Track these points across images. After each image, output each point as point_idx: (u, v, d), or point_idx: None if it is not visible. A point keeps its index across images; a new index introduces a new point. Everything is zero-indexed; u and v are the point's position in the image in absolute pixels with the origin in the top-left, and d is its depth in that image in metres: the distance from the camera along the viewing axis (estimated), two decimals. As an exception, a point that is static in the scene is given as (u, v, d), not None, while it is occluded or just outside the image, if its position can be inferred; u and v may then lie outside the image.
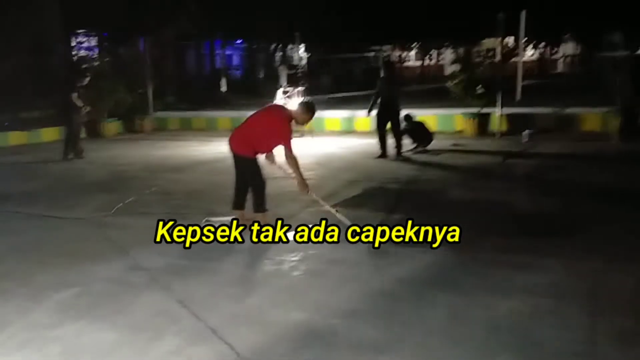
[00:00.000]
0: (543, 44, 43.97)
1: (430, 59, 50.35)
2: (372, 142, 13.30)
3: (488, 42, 46.30)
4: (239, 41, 32.61)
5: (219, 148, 13.13)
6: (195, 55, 27.95)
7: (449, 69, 48.02)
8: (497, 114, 13.66)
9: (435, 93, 18.01)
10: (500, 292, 4.26)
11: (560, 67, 47.75)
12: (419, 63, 49.62)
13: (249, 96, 24.71)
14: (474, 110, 14.09)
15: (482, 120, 14.06)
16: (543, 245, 5.30)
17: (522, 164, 9.61)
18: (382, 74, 11.61)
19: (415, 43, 45.82)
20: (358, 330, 3.77)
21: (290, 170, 6.03)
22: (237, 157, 6.20)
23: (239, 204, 6.38)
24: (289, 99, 14.07)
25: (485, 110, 13.95)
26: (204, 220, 6.45)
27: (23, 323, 4.06)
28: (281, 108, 6.26)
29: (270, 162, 6.46)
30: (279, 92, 14.17)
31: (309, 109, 6.07)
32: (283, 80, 14.13)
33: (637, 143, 11.36)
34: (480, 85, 13.77)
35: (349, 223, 5.80)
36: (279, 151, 6.08)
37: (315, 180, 8.67)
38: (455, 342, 3.56)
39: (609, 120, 12.92)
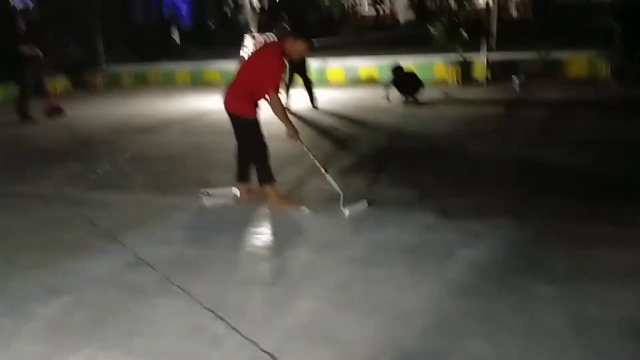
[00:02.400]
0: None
1: (383, 7, 48.98)
2: (353, 94, 12.40)
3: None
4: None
5: (186, 104, 11.95)
6: (141, 2, 25.89)
7: (402, 16, 47.19)
8: (483, 60, 12.81)
9: (398, 41, 17.13)
10: (609, 278, 3.44)
11: (513, 12, 47.10)
12: (372, 10, 48.17)
13: (204, 46, 23.13)
14: (457, 57, 13.21)
15: (466, 68, 13.22)
16: (620, 211, 4.51)
17: (528, 113, 8.82)
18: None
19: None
20: (464, 347, 2.88)
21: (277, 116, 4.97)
22: (234, 119, 5.11)
23: (242, 176, 5.34)
24: (256, 45, 12.84)
25: (468, 56, 13.10)
26: (200, 193, 5.38)
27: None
28: (273, 43, 5.14)
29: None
30: (247, 38, 12.88)
31: (304, 37, 4.90)
32: (252, 25, 12.83)
33: (635, 87, 10.79)
34: (464, 30, 12.81)
35: (337, 188, 4.89)
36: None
37: (310, 142, 7.68)
38: None
39: (599, 64, 12.34)
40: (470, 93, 11.51)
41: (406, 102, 10.54)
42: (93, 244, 4.41)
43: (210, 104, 11.80)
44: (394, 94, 10.70)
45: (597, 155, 6.19)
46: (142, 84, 16.46)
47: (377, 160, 6.56)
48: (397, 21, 46.71)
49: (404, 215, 4.64)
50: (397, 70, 10.85)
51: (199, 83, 15.89)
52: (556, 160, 6.05)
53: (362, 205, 4.86)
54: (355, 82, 14.53)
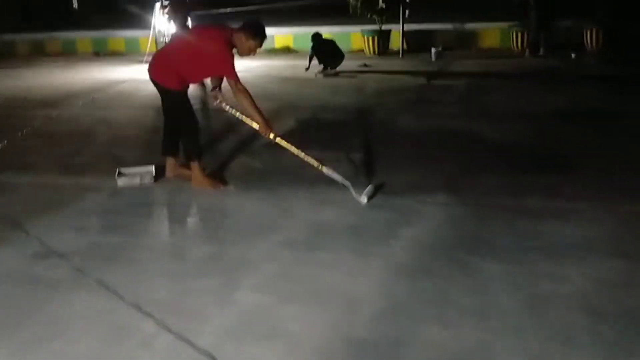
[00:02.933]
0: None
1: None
2: (269, 63, 11.99)
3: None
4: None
5: (90, 75, 11.13)
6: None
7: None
8: (399, 31, 12.72)
9: (310, 9, 16.83)
10: (556, 253, 3.35)
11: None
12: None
13: (105, 12, 21.72)
14: (374, 27, 13.07)
15: (383, 38, 13.12)
16: (560, 184, 4.47)
17: (450, 85, 8.81)
18: None
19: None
20: (412, 331, 2.68)
21: (244, 110, 4.56)
22: (160, 88, 4.67)
23: (168, 149, 4.90)
24: (171, 16, 12.10)
25: (385, 27, 13.00)
26: (116, 173, 4.89)
27: None
28: (220, 28, 4.66)
29: (217, 100, 4.84)
30: (157, 6, 12.13)
31: (256, 33, 4.42)
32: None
33: (547, 57, 11.09)
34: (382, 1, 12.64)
35: (339, 178, 4.44)
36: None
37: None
38: (563, 344, 2.59)
39: (512, 36, 12.59)
40: (389, 64, 11.43)
41: (325, 73, 10.27)
42: (-8, 233, 3.88)
43: (116, 75, 11.06)
44: (314, 64, 10.39)
45: (524, 126, 6.19)
46: (40, 54, 15.27)
47: (303, 135, 6.27)
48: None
49: (339, 194, 4.39)
50: (317, 38, 10.53)
51: (103, 52, 14.91)
52: (485, 133, 6.00)
53: (370, 188, 4.37)
54: (270, 51, 14.10)
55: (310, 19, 15.01)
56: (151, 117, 7.26)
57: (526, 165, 4.98)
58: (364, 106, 7.55)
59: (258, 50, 4.53)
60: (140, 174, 4.86)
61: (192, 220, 4.14)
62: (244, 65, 11.51)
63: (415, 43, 13.07)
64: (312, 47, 10.45)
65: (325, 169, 4.49)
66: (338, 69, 10.42)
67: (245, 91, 4.39)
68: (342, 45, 11.03)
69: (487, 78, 9.34)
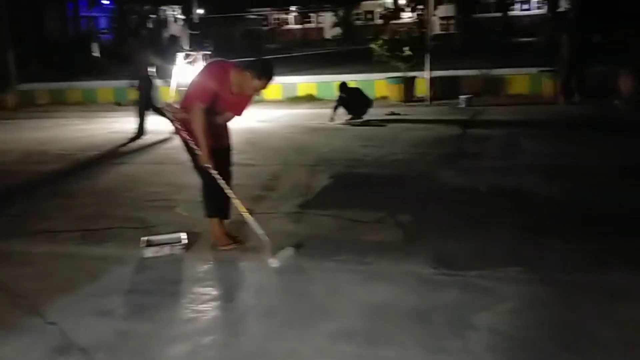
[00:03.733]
0: (421, 6, 43.76)
1: (309, 22, 48.76)
2: (293, 112, 11.65)
3: (366, 5, 46.04)
4: (106, 1, 28.97)
5: (111, 126, 10.84)
6: (58, 16, 24.21)
7: (329, 32, 47.15)
8: (426, 77, 12.38)
9: (331, 57, 16.66)
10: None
11: (437, 28, 47.91)
12: (298, 26, 47.85)
13: (126, 63, 21.76)
14: (399, 74, 12.76)
15: (408, 85, 12.78)
16: None
17: (488, 134, 8.34)
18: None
19: (294, 6, 44.10)
20: None
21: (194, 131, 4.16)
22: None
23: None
24: (192, 64, 11.91)
25: (410, 74, 12.68)
26: (142, 243, 4.43)
27: None
28: (220, 63, 4.32)
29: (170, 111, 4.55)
30: (180, 56, 11.92)
31: (263, 73, 4.11)
32: (185, 41, 11.87)
33: (582, 103, 10.63)
34: (407, 47, 12.35)
35: (261, 232, 4.09)
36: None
37: (261, 168, 6.86)
38: None
39: (542, 81, 12.20)
40: (417, 112, 11.03)
41: (353, 122, 9.89)
42: (5, 319, 3.41)
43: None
44: (340, 113, 10.02)
45: (583, 182, 5.68)
46: (60, 103, 15.12)
47: (341, 193, 5.82)
48: (323, 37, 46.67)
49: (392, 266, 3.90)
50: (344, 87, 10.19)
51: (124, 102, 14.68)
52: (542, 190, 5.50)
53: (288, 252, 4.12)
54: (293, 99, 13.84)
55: (332, 66, 14.85)
56: (174, 173, 6.87)
57: (599, 228, 4.46)
58: (401, 159, 7.10)
59: (264, 93, 4.20)
60: (169, 243, 4.41)
61: (228, 306, 3.62)
62: (268, 115, 11.23)
63: (442, 90, 12.70)
64: (340, 98, 10.11)
65: (248, 218, 4.13)
66: (366, 117, 10.05)
67: (200, 118, 4.07)
68: (367, 93, 10.69)
69: (526, 127, 8.87)
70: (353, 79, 13.05)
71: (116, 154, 8.26)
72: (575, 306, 3.27)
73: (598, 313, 3.18)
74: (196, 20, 12.21)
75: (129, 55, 9.68)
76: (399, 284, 3.64)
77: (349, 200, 5.46)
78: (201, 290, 3.76)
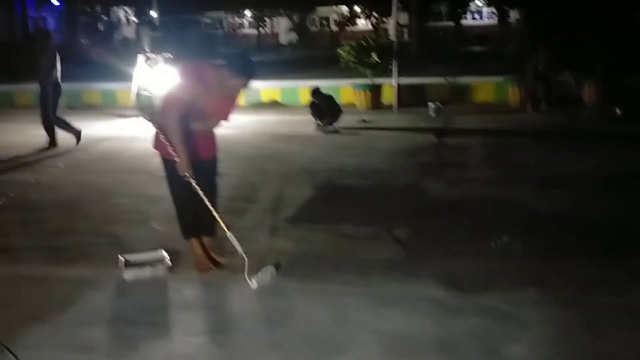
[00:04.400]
0: (375, 13, 43.99)
1: (265, 27, 48.35)
2: (260, 118, 11.28)
3: (322, 10, 45.97)
4: (55, 2, 27.82)
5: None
6: (6, 17, 23.08)
7: (285, 38, 46.85)
8: (394, 84, 12.21)
9: (285, 63, 16.37)
10: None
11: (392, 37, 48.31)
12: (253, 31, 47.34)
13: (78, 65, 20.88)
14: (365, 81, 12.56)
15: (375, 92, 12.58)
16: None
17: (464, 144, 8.16)
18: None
19: (249, 10, 43.62)
20: None
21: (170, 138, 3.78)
22: None
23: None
24: (152, 67, 11.40)
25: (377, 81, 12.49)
26: (120, 263, 4.01)
27: None
28: (195, 65, 3.90)
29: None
30: (140, 58, 11.40)
31: (242, 70, 3.69)
32: (146, 44, 11.33)
33: (549, 112, 10.63)
34: (375, 53, 12.14)
35: (240, 250, 3.76)
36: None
37: (239, 178, 6.48)
38: None
39: (508, 90, 12.19)
40: (387, 119, 10.82)
41: (325, 129, 9.59)
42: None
43: (96, 131, 10.18)
44: (309, 119, 9.71)
45: (574, 193, 5.54)
46: (9, 107, 14.28)
47: (327, 205, 5.50)
48: (279, 42, 46.34)
49: (400, 288, 3.61)
50: (317, 93, 9.88)
51: (78, 106, 13.98)
52: (535, 202, 5.31)
53: (269, 271, 3.79)
54: (256, 105, 13.44)
55: (292, 71, 14.57)
56: (145, 183, 6.42)
57: (607, 243, 4.27)
58: (382, 169, 6.83)
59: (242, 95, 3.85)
60: (150, 263, 3.99)
61: (224, 338, 3.22)
62: (237, 122, 10.78)
63: (408, 97, 12.56)
64: (312, 103, 9.80)
65: (229, 234, 3.79)
66: (336, 125, 9.78)
67: (175, 125, 3.70)
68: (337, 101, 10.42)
69: (501, 136, 8.77)
70: (319, 85, 12.80)
71: (76, 161, 7.70)
72: (605, 333, 3.04)
73: (632, 338, 2.95)
74: (156, 22, 11.72)
75: (33, 55, 8.52)
76: (412, 309, 3.34)
77: (338, 214, 5.15)
78: (191, 318, 3.38)
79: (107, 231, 4.86)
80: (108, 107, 13.44)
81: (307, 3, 42.30)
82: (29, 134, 10.09)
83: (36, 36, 9.36)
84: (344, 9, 45.42)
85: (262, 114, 11.92)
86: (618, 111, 10.01)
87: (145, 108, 11.71)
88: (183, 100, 3.72)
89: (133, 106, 11.98)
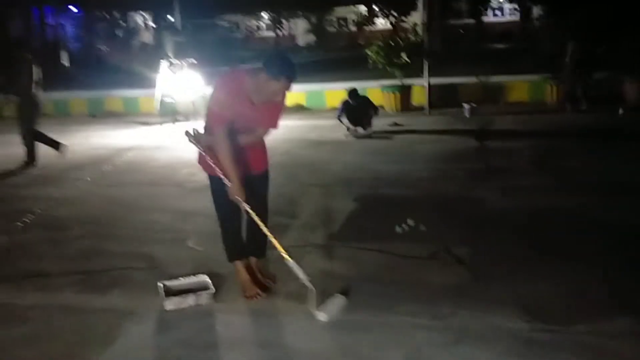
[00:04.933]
0: (394, 12, 43.48)
1: (282, 30, 48.09)
2: (286, 123, 10.86)
3: (340, 10, 45.55)
4: (74, 9, 27.75)
5: (89, 141, 9.94)
6: (22, 25, 23.01)
7: (302, 39, 46.56)
8: (425, 85, 11.79)
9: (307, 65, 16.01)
10: None
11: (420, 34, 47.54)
12: (271, 34, 47.09)
13: (97, 72, 20.73)
14: (394, 82, 12.16)
15: (405, 94, 12.17)
16: None
17: (509, 148, 7.71)
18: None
19: (266, 13, 43.33)
20: None
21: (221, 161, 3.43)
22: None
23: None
24: (176, 73, 11.11)
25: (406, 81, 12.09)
26: (160, 290, 3.66)
27: None
28: (231, 73, 3.53)
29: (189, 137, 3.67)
30: (163, 64, 11.11)
31: (280, 72, 3.27)
32: (169, 49, 11.05)
33: (588, 112, 10.14)
34: (405, 53, 11.72)
35: (304, 277, 3.33)
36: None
37: (274, 189, 6.08)
38: None
39: (544, 88, 11.71)
40: (419, 122, 10.42)
41: (353, 134, 9.18)
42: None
43: (119, 140, 9.89)
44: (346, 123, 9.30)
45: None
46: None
47: (373, 219, 5.10)
48: (297, 44, 46.04)
49: (476, 319, 3.20)
50: (353, 94, 9.42)
51: (100, 114, 13.75)
52: (609, 212, 4.87)
53: (339, 302, 3.39)
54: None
55: (315, 74, 14.19)
56: (176, 197, 6.09)
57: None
58: (426, 177, 6.42)
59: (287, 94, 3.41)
60: (193, 290, 3.63)
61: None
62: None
63: (439, 98, 12.14)
64: (347, 103, 9.35)
65: (290, 262, 3.35)
66: (368, 129, 9.37)
67: (224, 143, 3.36)
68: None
69: (544, 138, 8.31)
70: (344, 88, 12.41)
71: (102, 173, 7.39)
72: None
73: None
74: (178, 27, 11.41)
75: (11, 65, 7.90)
76: (495, 346, 2.93)
77: (387, 229, 4.75)
78: (242, 357, 3.00)
79: (141, 252, 4.51)
80: (130, 115, 13.19)
81: (324, 3, 41.96)
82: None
83: (14, 46, 8.84)
84: (362, 8, 44.92)
85: (287, 119, 11.48)
86: (621, 111, 9.52)
87: (170, 115, 11.46)
88: (226, 114, 3.37)
89: (156, 113, 11.72)
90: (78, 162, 8.12)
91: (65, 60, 21.06)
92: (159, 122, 11.32)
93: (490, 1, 41.77)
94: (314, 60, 26.51)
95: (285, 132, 9.88)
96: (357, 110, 9.24)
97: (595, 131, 8.59)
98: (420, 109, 11.83)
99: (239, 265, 3.73)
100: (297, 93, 13.51)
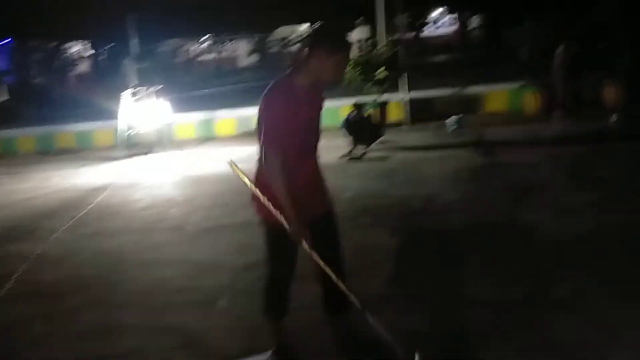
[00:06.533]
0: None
1: (223, 52, 47.22)
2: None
3: (283, 30, 45.05)
4: (4, 40, 26.08)
5: (49, 183, 8.87)
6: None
7: (245, 61, 45.83)
8: (404, 99, 11.27)
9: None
10: None
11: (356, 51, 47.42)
12: (212, 56, 46.18)
13: (38, 105, 19.32)
14: (369, 98, 11.58)
15: (383, 110, 11.60)
16: None
17: (522, 161, 7.13)
18: None
19: (207, 35, 42.34)
20: None
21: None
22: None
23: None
24: (139, 102, 10.19)
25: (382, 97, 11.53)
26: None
27: None
28: (274, 82, 2.83)
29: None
30: (126, 94, 10.16)
31: (333, 41, 2.72)
32: (131, 78, 10.10)
33: (582, 118, 9.74)
34: (383, 68, 11.16)
35: (390, 339, 2.71)
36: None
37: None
38: None
39: (524, 97, 11.36)
40: (407, 138, 9.87)
41: (353, 155, 8.50)
42: None
43: (86, 180, 8.87)
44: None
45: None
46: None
47: (427, 257, 4.41)
48: (239, 66, 45.30)
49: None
50: (360, 108, 8.78)
51: (52, 151, 12.56)
52: None
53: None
54: (249, 134, 12.32)
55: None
56: (179, 244, 5.24)
57: None
58: (456, 200, 5.81)
59: None
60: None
61: None
62: (234, 154, 9.38)
63: (416, 112, 11.64)
64: (347, 120, 8.67)
65: (371, 317, 2.73)
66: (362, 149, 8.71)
67: (273, 166, 2.70)
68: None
69: (554, 147, 7.73)
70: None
71: (80, 221, 6.41)
72: None
73: None
74: (137, 52, 10.45)
75: None
76: None
77: (452, 269, 4.07)
78: None
79: (166, 324, 3.66)
80: (85, 150, 12.07)
81: (267, 24, 41.38)
82: (7, 189, 8.75)
83: None
84: (304, 27, 44.57)
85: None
86: (614, 117, 9.21)
87: (134, 147, 10.51)
88: (281, 137, 2.70)
89: (117, 146, 10.75)
90: (47, 209, 7.10)
91: (4, 94, 19.56)
92: (127, 155, 10.34)
93: (429, 15, 42.11)
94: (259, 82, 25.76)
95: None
96: (362, 127, 8.56)
97: (603, 137, 8.17)
98: (397, 125, 11.31)
99: (277, 325, 3.07)
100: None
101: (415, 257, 4.43)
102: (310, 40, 2.83)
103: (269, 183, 2.74)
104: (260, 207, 2.86)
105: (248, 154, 9.23)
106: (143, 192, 7.63)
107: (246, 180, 2.90)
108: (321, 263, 2.78)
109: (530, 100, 11.29)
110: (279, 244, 2.88)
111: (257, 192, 2.83)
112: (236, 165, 2.97)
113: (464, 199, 5.84)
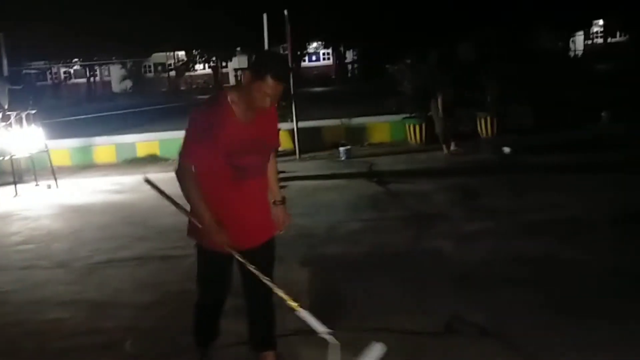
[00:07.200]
0: (214, 58, 43.18)
1: (95, 76, 45.27)
2: (156, 177, 9.57)
3: (158, 56, 44.06)
4: None
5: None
6: None
7: (118, 86, 44.34)
8: (293, 129, 11.30)
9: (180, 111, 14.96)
10: None
11: (232, 80, 47.13)
12: (83, 80, 44.09)
13: None
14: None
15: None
16: None
17: (416, 190, 7.34)
18: None
19: (77, 59, 40.44)
20: None
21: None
22: None
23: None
24: (10, 127, 9.35)
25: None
26: None
27: None
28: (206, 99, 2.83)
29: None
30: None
31: (261, 68, 2.58)
32: (3, 100, 9.23)
33: (467, 152, 10.23)
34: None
35: (324, 329, 2.75)
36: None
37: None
38: None
39: (406, 129, 11.83)
40: (298, 167, 9.83)
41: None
42: None
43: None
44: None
45: (600, 238, 4.97)
46: None
47: (341, 288, 4.36)
48: (112, 91, 43.67)
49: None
50: None
51: None
52: (577, 255, 4.62)
53: (377, 350, 2.77)
54: (132, 161, 11.86)
55: (177, 121, 13.08)
56: (68, 282, 4.81)
57: None
58: (358, 229, 5.85)
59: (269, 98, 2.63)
60: None
61: None
62: (112, 184, 9.10)
63: (303, 142, 11.67)
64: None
65: (302, 313, 2.76)
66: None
67: (184, 173, 2.72)
68: None
69: (446, 178, 7.93)
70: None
71: (26, 259, 5.71)
72: None
73: None
74: (6, 74, 9.56)
75: None
76: None
77: (366, 300, 4.05)
78: None
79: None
80: None
81: (141, 50, 40.28)
82: None
83: None
84: (181, 53, 43.90)
85: (142, 172, 10.29)
86: (506, 150, 9.84)
87: (3, 176, 9.64)
88: (199, 150, 2.66)
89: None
90: None
91: None
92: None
93: (307, 47, 43.10)
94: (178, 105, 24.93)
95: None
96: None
97: (486, 169, 8.59)
98: (286, 154, 11.29)
99: (205, 351, 3.05)
100: (150, 142, 12.39)
101: (328, 290, 4.35)
102: (255, 62, 2.78)
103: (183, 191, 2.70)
104: (192, 228, 2.80)
105: (132, 181, 8.97)
106: (18, 224, 6.97)
107: (164, 195, 2.80)
108: (256, 272, 2.71)
109: (411, 132, 11.77)
110: (211, 265, 2.86)
111: (179, 205, 2.79)
112: (151, 182, 2.90)
113: (366, 227, 5.88)
